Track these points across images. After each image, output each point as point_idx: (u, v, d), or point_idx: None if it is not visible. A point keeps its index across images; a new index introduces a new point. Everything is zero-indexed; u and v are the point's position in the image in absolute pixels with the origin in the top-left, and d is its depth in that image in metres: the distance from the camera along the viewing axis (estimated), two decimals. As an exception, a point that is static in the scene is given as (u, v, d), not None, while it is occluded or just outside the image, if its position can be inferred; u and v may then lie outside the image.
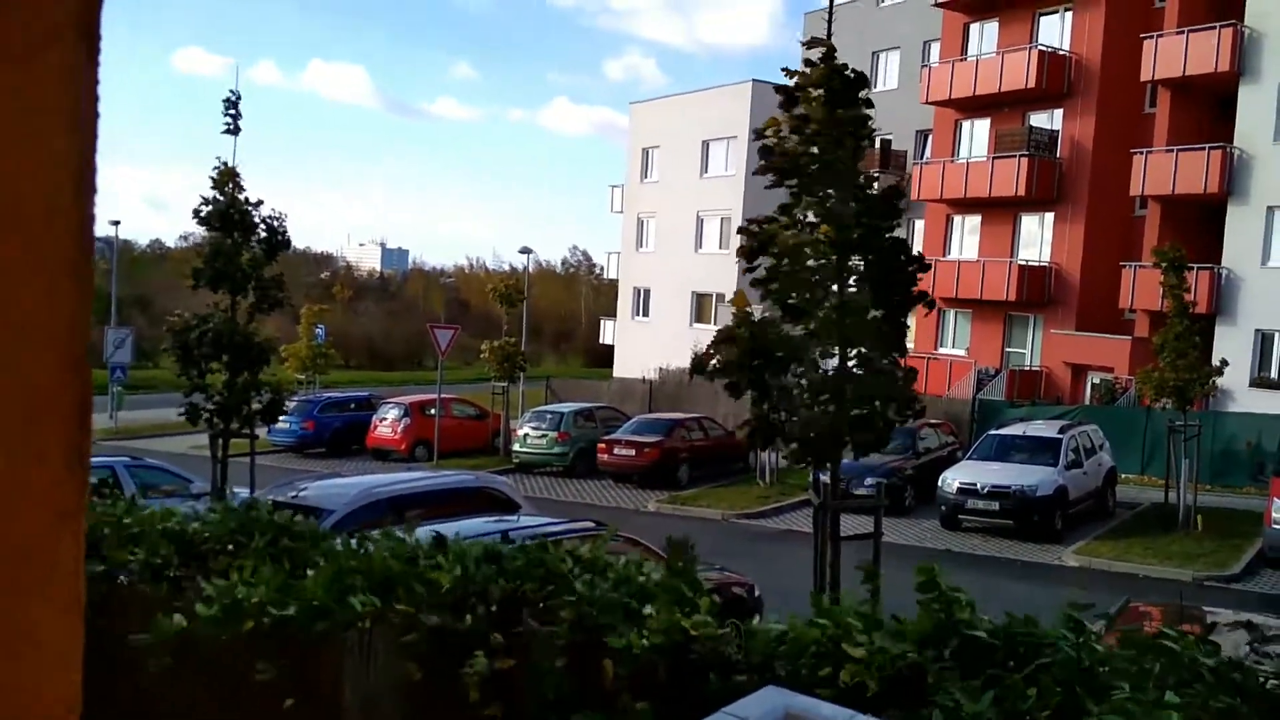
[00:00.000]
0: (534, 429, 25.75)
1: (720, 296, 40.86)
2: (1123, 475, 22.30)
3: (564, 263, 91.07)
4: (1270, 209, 26.31)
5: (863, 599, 3.70)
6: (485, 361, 28.11)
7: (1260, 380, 26.27)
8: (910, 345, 11.20)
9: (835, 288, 10.08)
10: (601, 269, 56.16)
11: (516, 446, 26.03)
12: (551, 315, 71.95)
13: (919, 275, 10.31)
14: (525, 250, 31.60)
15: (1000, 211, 33.44)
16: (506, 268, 68.63)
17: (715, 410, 26.14)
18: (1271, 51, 26.33)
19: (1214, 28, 27.20)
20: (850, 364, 10.34)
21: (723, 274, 41.13)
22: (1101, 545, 17.67)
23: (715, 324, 35.62)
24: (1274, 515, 16.01)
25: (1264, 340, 26.51)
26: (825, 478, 10.56)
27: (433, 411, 26.97)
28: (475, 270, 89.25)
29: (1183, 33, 27.93)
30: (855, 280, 10.17)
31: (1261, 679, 2.69)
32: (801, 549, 12.81)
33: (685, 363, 25.42)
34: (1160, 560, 16.49)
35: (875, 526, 10.30)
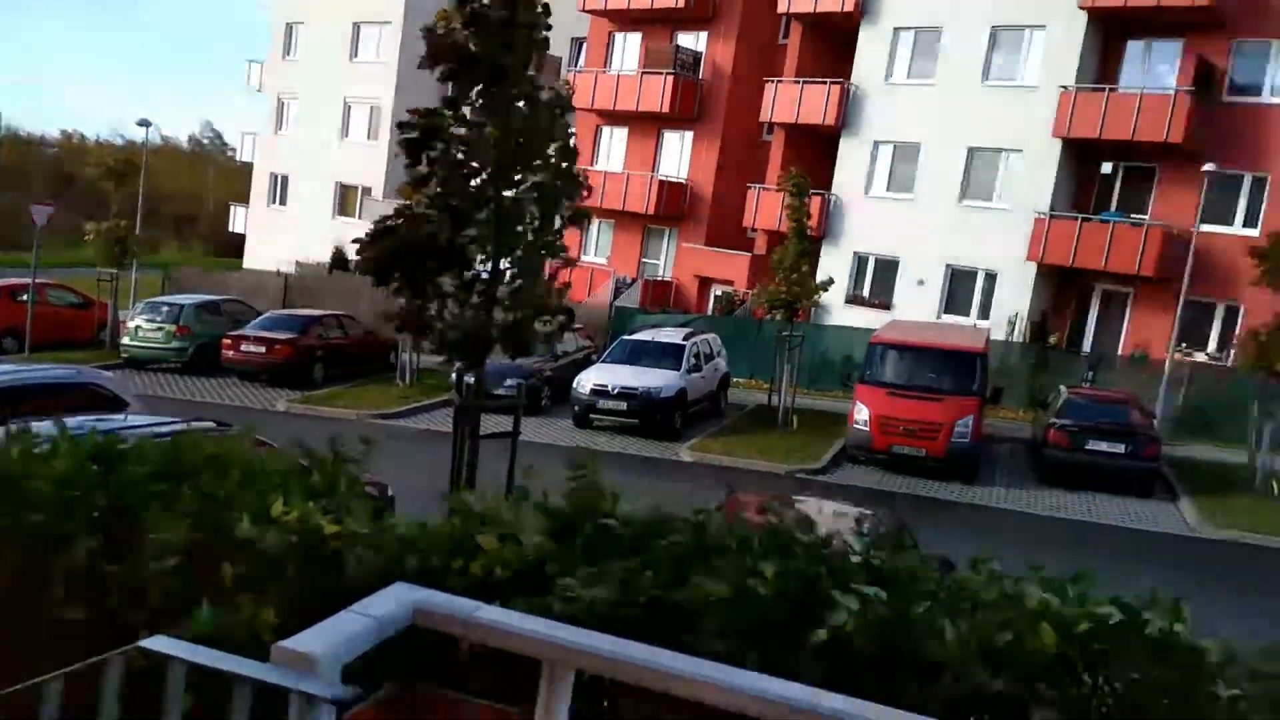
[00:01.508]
0: (147, 321, 23.54)
1: (367, 190, 39.28)
2: (735, 379, 24.43)
3: (192, 140, 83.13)
4: (876, 143, 29.43)
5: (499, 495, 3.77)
6: (91, 245, 25.18)
7: (854, 297, 29.66)
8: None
9: (497, 193, 10.01)
10: (234, 151, 51.75)
11: (126, 340, 23.70)
12: (174, 197, 65.59)
13: (582, 192, 10.50)
14: (144, 123, 28.37)
15: (646, 126, 34.72)
16: (120, 141, 61.33)
17: (356, 308, 25.31)
18: None
19: (840, -30, 29.55)
20: (506, 270, 10.37)
21: (370, 166, 39.48)
22: (713, 442, 19.32)
23: (360, 218, 34.24)
24: (855, 417, 18.29)
25: (860, 262, 29.87)
26: (467, 378, 10.61)
27: (24, 297, 23.83)
28: (84, 142, 79.05)
29: (814, -30, 30.11)
30: (519, 188, 10.15)
31: (846, 555, 3.07)
32: (440, 448, 12.86)
33: (326, 256, 24.33)
34: (762, 455, 18.34)
35: (514, 426, 10.54)
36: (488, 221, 9.86)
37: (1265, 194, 24.66)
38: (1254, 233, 23.35)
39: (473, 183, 9.95)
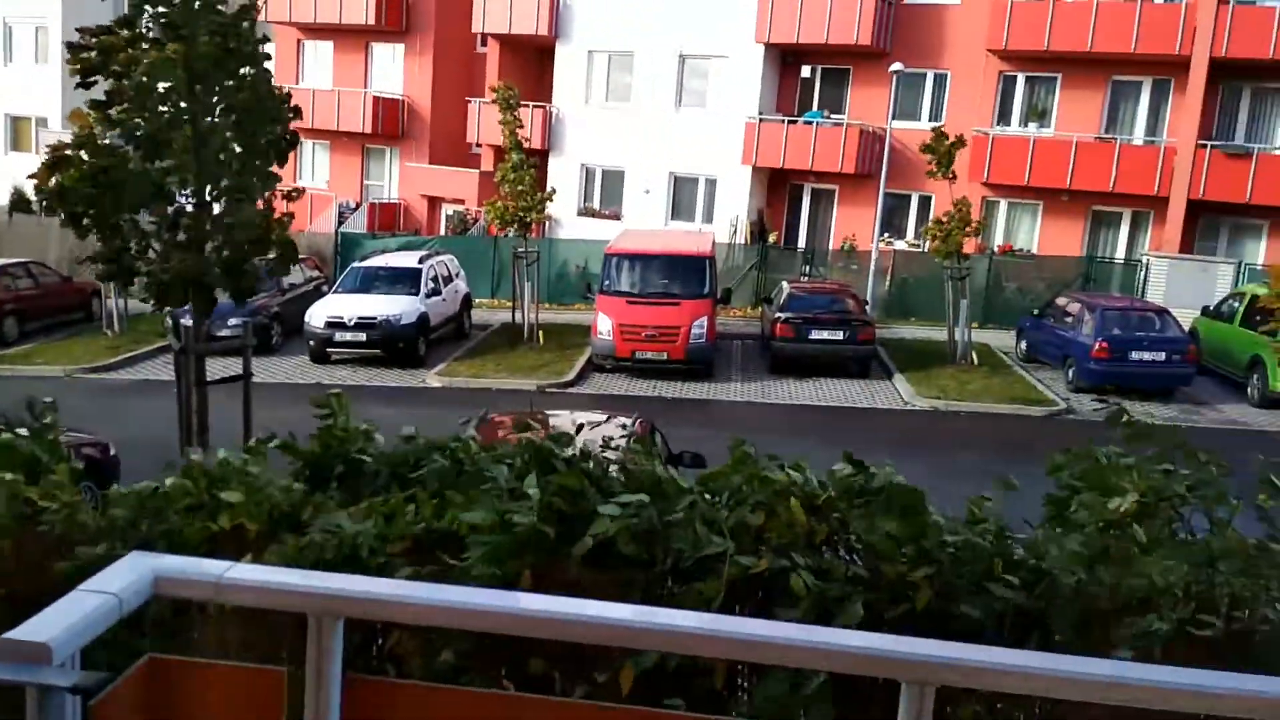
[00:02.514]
0: None
1: (43, 121, 35.10)
2: (477, 300, 24.17)
3: None
4: (590, 53, 29.44)
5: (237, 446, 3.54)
6: None
7: (586, 210, 29.93)
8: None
9: (192, 117, 9.17)
10: None
11: None
12: None
13: (289, 115, 9.80)
14: None
15: (353, 39, 32.96)
16: None
17: (46, 254, 22.81)
18: (589, -94, 28.88)
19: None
20: (214, 203, 9.60)
21: (43, 93, 35.23)
22: (460, 365, 19.13)
23: (39, 154, 30.62)
24: (598, 327, 18.64)
25: (588, 173, 30.08)
26: (184, 320, 9.86)
27: None
28: None
29: None
30: (218, 111, 9.35)
31: (605, 465, 3.12)
32: (164, 400, 11.94)
33: (3, 200, 21.67)
34: (511, 374, 18.38)
35: (244, 368, 9.93)
36: (184, 150, 9.06)
37: (946, 90, 26.85)
38: (940, 125, 25.52)
39: (162, 107, 9.08)
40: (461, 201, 31.39)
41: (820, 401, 17.38)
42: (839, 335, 18.73)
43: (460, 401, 15.99)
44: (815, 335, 18.69)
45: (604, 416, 9.55)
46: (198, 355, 9.59)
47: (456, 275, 22.39)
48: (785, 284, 20.99)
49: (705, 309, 18.49)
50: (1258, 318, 17.53)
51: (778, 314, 19.15)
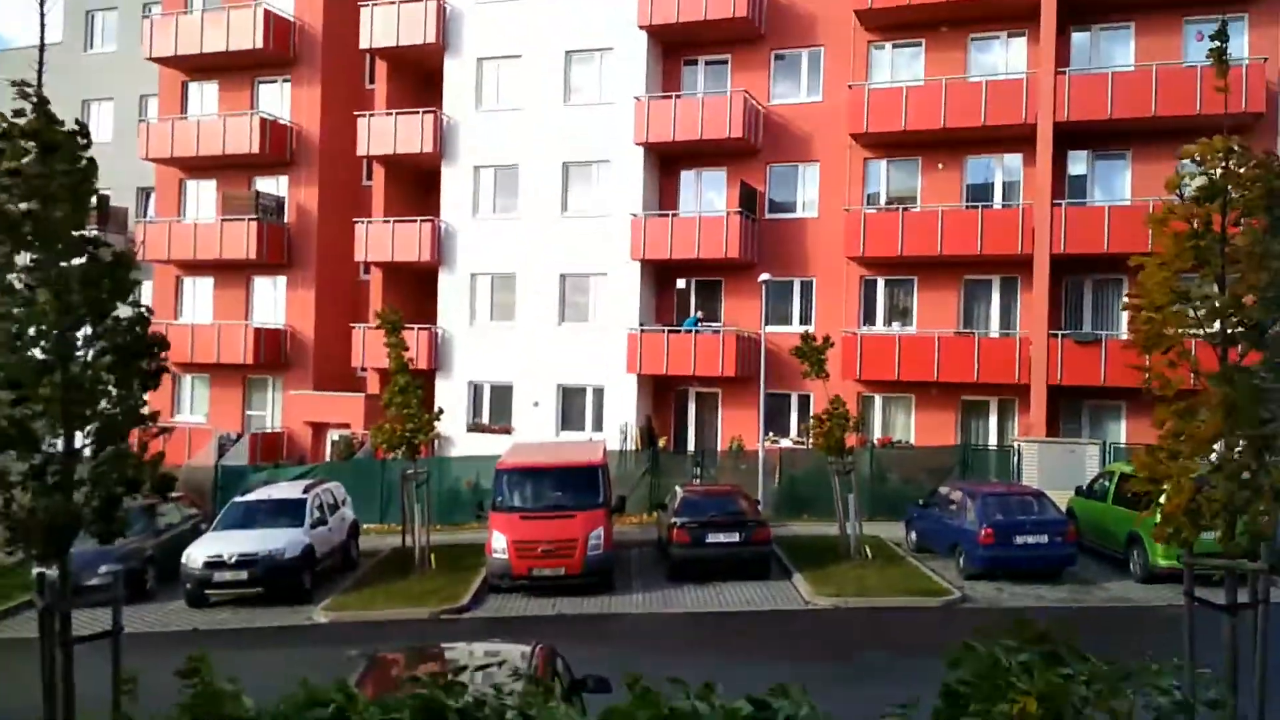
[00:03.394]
0: None
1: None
2: (365, 526, 23.51)
3: None
4: (473, 275, 30.28)
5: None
6: None
7: (476, 425, 29.92)
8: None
9: (62, 362, 8.97)
10: None
11: None
12: None
13: (160, 352, 9.68)
14: None
15: (233, 274, 33.17)
16: None
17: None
18: (466, 136, 30.40)
19: (418, 113, 30.53)
20: (81, 446, 9.26)
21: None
22: (349, 598, 18.35)
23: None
24: (493, 545, 18.26)
25: (476, 390, 30.27)
26: (49, 573, 9.27)
27: None
28: None
29: (392, 115, 30.84)
30: (87, 354, 9.17)
31: (502, 713, 3.01)
32: (26, 661, 11.05)
33: None
34: (403, 603, 17.68)
35: (114, 620, 9.31)
36: (53, 397, 8.81)
37: (813, 295, 28.36)
38: (810, 329, 26.79)
39: (32, 352, 8.87)
40: (347, 425, 31.02)
41: (722, 607, 17.18)
42: (735, 537, 18.77)
43: (350, 637, 15.25)
44: (712, 539, 18.69)
45: (504, 645, 9.25)
46: (64, 612, 8.99)
47: (343, 502, 21.83)
48: (678, 489, 21.11)
49: (601, 519, 18.37)
50: (1129, 494, 18.35)
51: (673, 519, 19.15)
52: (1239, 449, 8.34)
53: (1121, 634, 15.26)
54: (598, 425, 28.77)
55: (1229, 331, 8.46)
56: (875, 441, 26.76)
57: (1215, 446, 8.50)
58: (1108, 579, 18.47)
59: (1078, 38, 26.44)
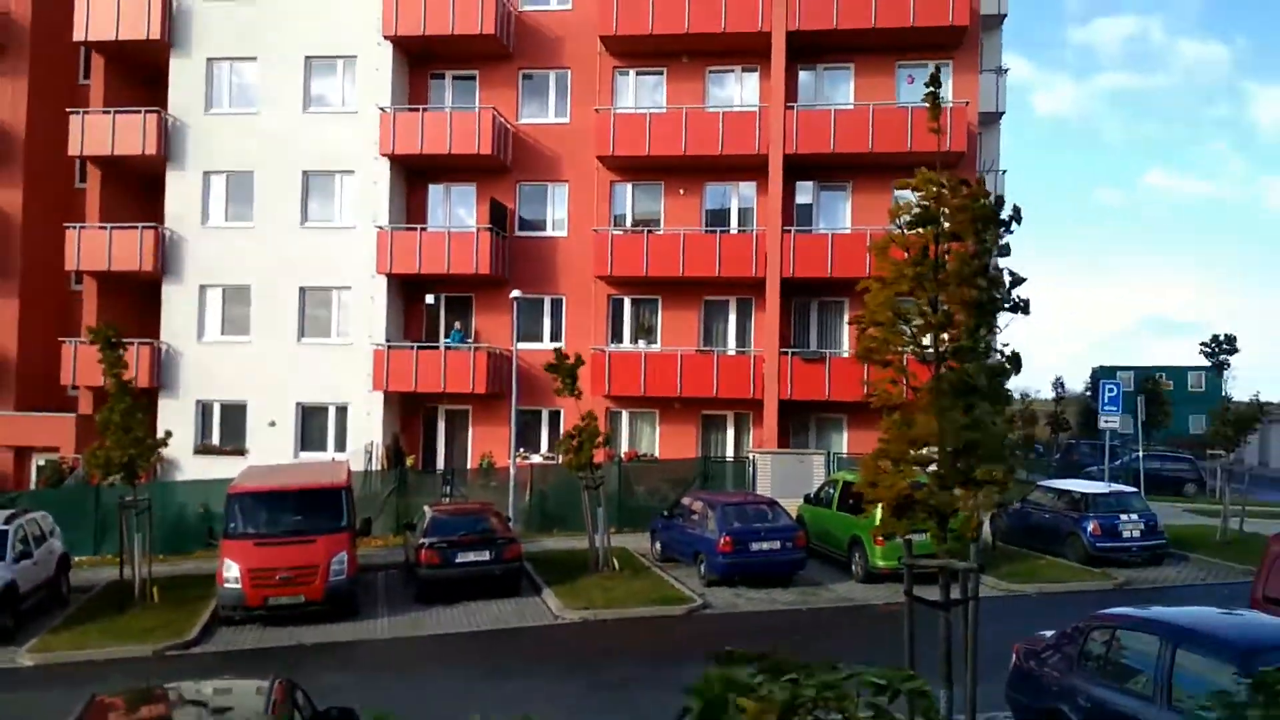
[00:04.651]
0: None
1: None
2: (77, 558, 21.45)
3: None
4: (202, 287, 28.43)
5: None
6: None
7: (204, 447, 28.04)
8: None
9: None
10: None
11: None
12: None
13: None
14: None
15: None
16: None
17: None
18: (194, 140, 28.57)
19: (139, 112, 28.38)
20: None
21: None
22: (59, 637, 16.65)
23: None
24: (224, 574, 17.12)
25: (205, 410, 28.38)
26: None
27: None
28: None
29: (110, 113, 28.52)
30: None
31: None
32: None
33: None
34: (121, 640, 16.24)
35: None
36: None
37: (563, 313, 28.72)
38: (560, 346, 27.10)
39: None
40: (56, 448, 28.25)
41: (472, 627, 16.98)
42: (485, 555, 18.61)
43: (62, 680, 13.89)
44: (461, 558, 18.44)
45: (237, 681, 8.69)
46: None
47: (51, 533, 19.78)
48: (427, 508, 20.67)
49: (344, 543, 17.69)
50: (850, 501, 19.74)
51: (421, 540, 18.74)
52: (949, 454, 9.20)
53: (846, 631, 16.42)
54: (341, 445, 27.75)
55: (940, 348, 9.33)
56: (623, 455, 27.41)
57: (928, 452, 9.33)
58: (834, 580, 19.79)
59: (804, 76, 28.37)
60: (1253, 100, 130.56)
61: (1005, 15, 29.62)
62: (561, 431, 23.93)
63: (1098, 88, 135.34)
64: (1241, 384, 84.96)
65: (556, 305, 28.85)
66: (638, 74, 28.87)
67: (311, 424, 28.33)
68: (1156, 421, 42.23)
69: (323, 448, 27.92)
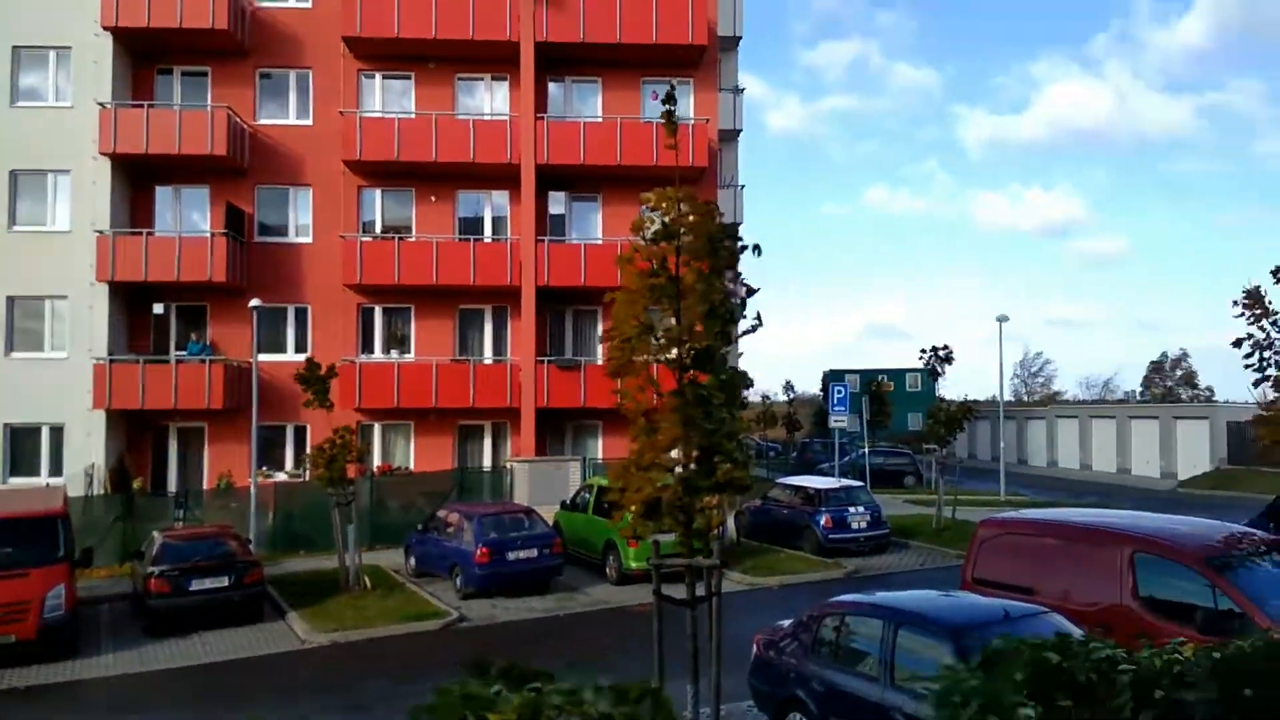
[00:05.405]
0: None
1: None
2: None
3: None
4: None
5: None
6: None
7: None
8: None
9: None
10: None
11: None
12: None
13: None
14: None
15: None
16: None
17: None
18: None
19: None
20: None
21: None
22: None
23: None
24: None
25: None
26: None
27: None
28: None
29: None
30: None
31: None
32: None
33: None
34: None
35: None
36: None
37: (309, 323, 27.57)
38: (308, 356, 26.02)
39: None
40: None
41: (209, 658, 15.93)
42: (223, 581, 17.53)
43: None
44: (196, 585, 17.28)
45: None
46: None
47: None
48: (157, 534, 19.21)
49: (61, 575, 16.14)
50: (606, 505, 20.12)
51: (150, 568, 17.41)
52: (694, 457, 9.58)
53: (601, 634, 16.72)
54: (57, 469, 25.37)
55: (683, 357, 9.70)
56: (375, 470, 26.63)
57: (675, 456, 9.68)
58: (589, 584, 20.10)
59: (554, 87, 28.71)
60: (960, 122, 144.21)
61: (741, 37, 31.18)
62: (308, 446, 22.95)
63: (824, 108, 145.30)
64: (953, 385, 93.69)
65: (301, 314, 27.67)
66: (384, 77, 28.21)
67: (22, 447, 25.74)
68: (880, 420, 45.67)
69: (36, 473, 25.43)
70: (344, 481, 19.35)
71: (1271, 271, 22.33)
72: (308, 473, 21.54)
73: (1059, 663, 4.16)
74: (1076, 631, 6.52)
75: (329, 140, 27.12)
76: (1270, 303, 22.76)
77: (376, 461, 27.42)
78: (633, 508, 9.54)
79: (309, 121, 27.73)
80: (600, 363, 27.21)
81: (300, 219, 27.96)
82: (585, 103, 28.90)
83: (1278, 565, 10.54)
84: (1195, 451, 44.45)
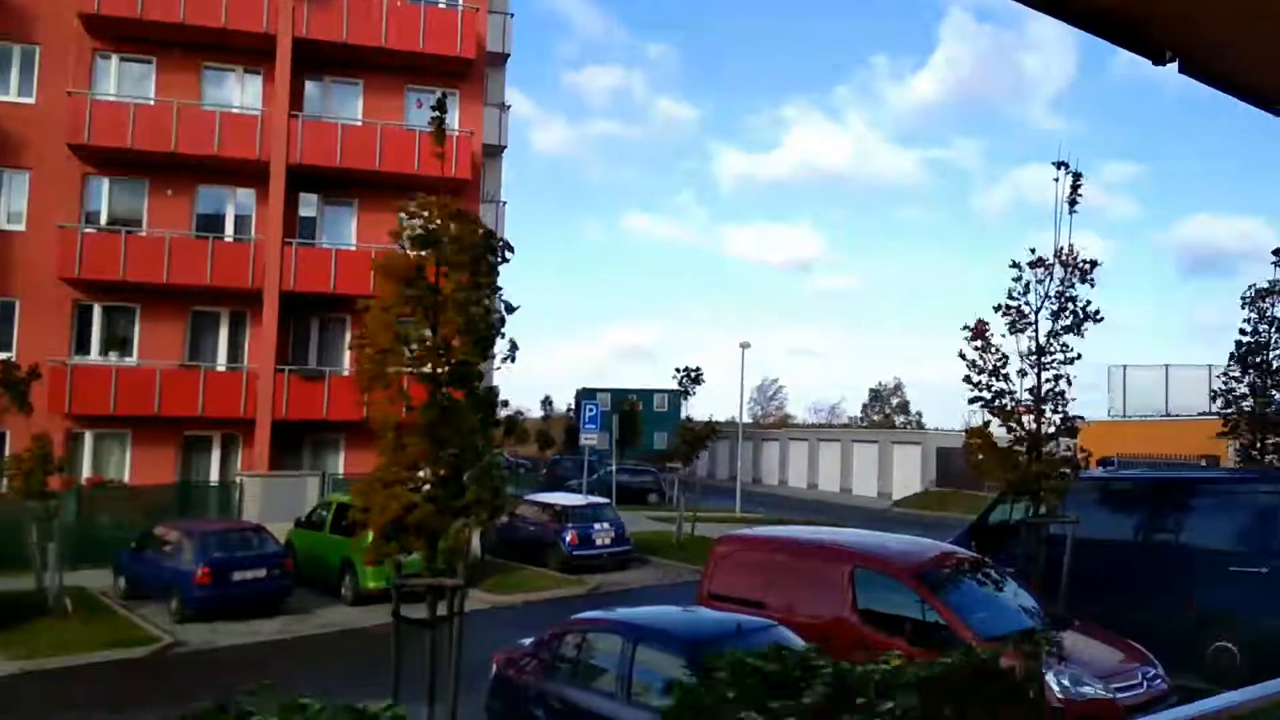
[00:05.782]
0: None
1: None
2: None
3: None
4: None
5: None
6: None
7: None
8: None
9: None
10: None
11: None
12: None
13: None
14: None
15: None
16: None
17: None
18: None
19: None
20: None
21: None
22: None
23: None
24: None
25: None
26: None
27: None
28: None
29: None
30: None
31: None
32: None
33: None
34: None
35: None
36: None
37: (15, 319, 24.90)
38: (10, 356, 23.42)
39: None
40: None
41: None
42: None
43: None
44: None
45: None
46: None
47: None
48: None
49: None
50: (345, 523, 19.32)
51: None
52: (442, 475, 9.37)
53: (333, 658, 16.00)
54: None
55: (438, 370, 9.49)
56: (84, 482, 24.32)
57: (424, 474, 9.42)
58: (323, 606, 19.21)
59: (311, 87, 27.54)
60: (715, 157, 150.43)
61: (509, 55, 31.16)
62: (5, 455, 20.68)
63: (587, 132, 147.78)
64: (697, 407, 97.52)
65: (7, 310, 24.95)
66: (122, 59, 26.08)
67: None
68: (629, 439, 46.70)
69: None
70: (45, 493, 17.53)
71: (995, 308, 24.76)
72: (4, 484, 19.35)
73: (773, 672, 4.44)
74: (800, 643, 6.86)
75: (54, 122, 24.69)
76: (991, 335, 25.21)
77: (86, 472, 25.07)
78: (374, 527, 9.20)
79: (32, 100, 25.19)
80: (347, 373, 26.23)
81: (14, 205, 25.28)
82: (345, 105, 27.89)
83: (979, 582, 11.57)
84: (908, 473, 48.46)
